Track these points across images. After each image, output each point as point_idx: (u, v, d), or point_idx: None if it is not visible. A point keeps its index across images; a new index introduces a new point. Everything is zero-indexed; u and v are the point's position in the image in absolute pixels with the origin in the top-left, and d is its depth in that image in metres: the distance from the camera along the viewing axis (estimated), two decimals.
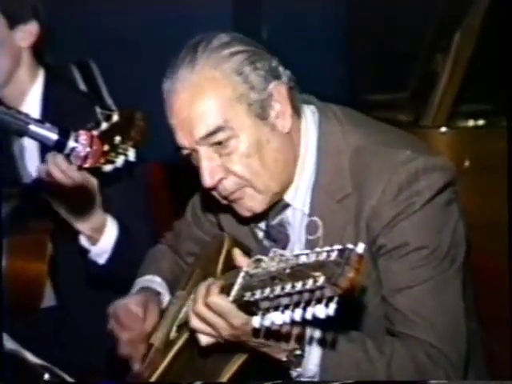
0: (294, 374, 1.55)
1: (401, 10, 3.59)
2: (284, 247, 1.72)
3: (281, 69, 1.65)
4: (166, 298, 1.90)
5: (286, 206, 1.71)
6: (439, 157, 1.65)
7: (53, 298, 2.26)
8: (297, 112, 1.67)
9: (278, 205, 1.72)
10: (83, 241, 2.08)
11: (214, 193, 1.67)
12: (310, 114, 1.70)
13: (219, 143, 1.60)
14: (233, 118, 1.58)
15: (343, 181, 1.63)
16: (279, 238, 1.74)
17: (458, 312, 1.60)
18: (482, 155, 2.97)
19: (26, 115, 1.49)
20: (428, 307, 1.58)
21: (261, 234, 1.77)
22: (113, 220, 2.08)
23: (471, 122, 3.18)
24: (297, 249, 1.70)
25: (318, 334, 1.53)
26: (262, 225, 1.77)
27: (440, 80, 3.08)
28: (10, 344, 1.51)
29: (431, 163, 1.61)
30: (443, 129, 3.08)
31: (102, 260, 2.09)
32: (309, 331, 1.52)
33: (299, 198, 1.69)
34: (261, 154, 1.61)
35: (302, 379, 1.56)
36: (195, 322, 1.54)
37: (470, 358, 1.65)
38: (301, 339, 1.52)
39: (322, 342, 1.54)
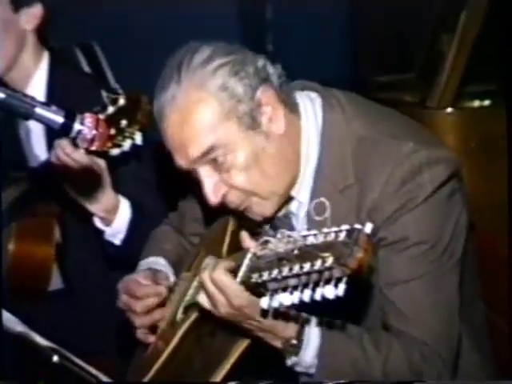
0: (289, 362, 1.55)
1: None
2: None
3: (269, 67, 1.63)
4: (170, 278, 1.90)
5: (292, 198, 1.71)
6: (443, 149, 1.64)
7: (60, 281, 2.28)
8: (292, 108, 1.66)
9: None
10: (97, 222, 2.09)
11: (223, 207, 1.67)
12: (309, 105, 1.68)
13: (215, 160, 1.60)
14: (225, 135, 1.58)
15: (346, 171, 1.62)
16: (284, 229, 1.73)
17: (452, 308, 1.60)
18: (488, 136, 2.96)
19: (32, 98, 1.49)
20: (423, 304, 1.58)
21: (266, 226, 1.77)
22: (125, 200, 2.09)
23: (477, 103, 3.16)
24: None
25: (317, 323, 1.54)
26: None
27: (446, 60, 3.06)
28: (19, 327, 1.51)
29: (435, 156, 1.60)
30: (449, 109, 3.06)
31: (117, 240, 2.11)
32: (308, 320, 1.53)
33: (304, 190, 1.68)
34: (259, 164, 1.61)
35: (297, 369, 1.56)
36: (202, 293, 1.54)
37: (481, 338, 1.66)
38: (300, 327, 1.53)
39: (320, 335, 1.54)
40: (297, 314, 1.52)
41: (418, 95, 3.24)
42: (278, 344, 1.54)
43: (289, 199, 1.71)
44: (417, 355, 1.56)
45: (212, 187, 1.62)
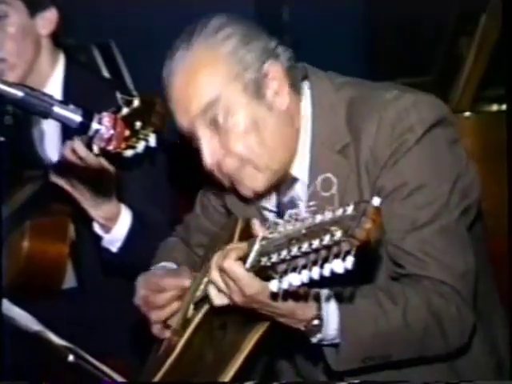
0: (314, 340, 1.55)
1: None
2: None
3: (280, 49, 1.68)
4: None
5: (295, 180, 1.72)
6: (428, 94, 1.66)
7: (74, 280, 2.28)
8: (296, 90, 1.69)
9: (286, 180, 1.72)
10: (97, 228, 2.09)
11: (218, 175, 1.68)
12: (307, 89, 1.71)
13: (216, 122, 1.62)
14: (228, 96, 1.62)
15: (341, 132, 1.65)
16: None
17: (466, 251, 1.60)
18: (506, 140, 2.93)
19: (51, 97, 1.49)
20: (438, 247, 1.58)
21: (271, 216, 1.77)
22: (127, 210, 2.09)
23: (495, 107, 3.14)
24: None
25: (332, 295, 1.53)
26: (273, 206, 1.77)
27: (464, 64, 3.05)
28: (34, 325, 1.51)
29: (420, 99, 1.62)
30: (467, 113, 3.04)
31: (114, 248, 2.11)
32: (323, 294, 1.52)
33: (305, 169, 1.70)
34: (258, 132, 1.63)
35: (323, 343, 1.56)
36: (214, 275, 1.54)
37: (497, 344, 1.65)
38: (317, 305, 1.52)
39: (338, 304, 1.54)
40: (309, 290, 1.50)
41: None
42: (300, 326, 1.54)
43: (292, 181, 1.72)
44: (434, 296, 1.56)
45: (209, 150, 1.64)
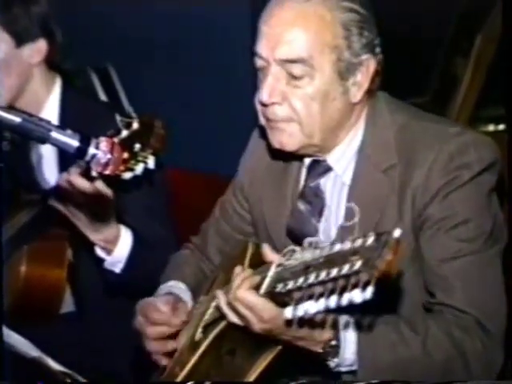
0: (332, 364, 1.55)
1: (421, 13, 3.56)
2: (320, 211, 1.74)
3: (379, 49, 1.69)
4: (189, 304, 1.89)
5: (328, 169, 1.74)
6: (487, 136, 1.69)
7: (72, 304, 2.27)
8: (370, 93, 1.71)
9: (320, 166, 1.75)
10: (98, 251, 2.09)
11: (261, 110, 1.70)
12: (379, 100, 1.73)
13: (292, 73, 1.63)
14: (317, 60, 1.63)
15: (389, 152, 1.67)
16: (315, 201, 1.75)
17: (499, 286, 1.62)
18: (502, 160, 2.94)
19: (48, 122, 1.49)
20: (470, 277, 1.60)
21: (295, 198, 1.78)
22: (127, 231, 2.09)
23: (492, 127, 3.15)
24: (331, 218, 1.73)
25: (351, 320, 1.53)
26: (300, 187, 1.78)
27: (460, 84, 3.06)
28: (33, 351, 1.51)
29: (481, 139, 1.66)
30: None
31: (117, 269, 2.10)
32: (342, 319, 1.52)
33: (342, 164, 1.72)
34: (323, 104, 1.65)
35: (341, 369, 1.55)
36: (229, 314, 1.55)
37: None
38: (335, 328, 1.52)
39: (356, 329, 1.54)
40: (326, 317, 1.50)
41: None
42: (318, 349, 1.54)
43: (325, 170, 1.74)
44: (456, 329, 1.56)
45: (271, 88, 1.65)
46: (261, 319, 1.49)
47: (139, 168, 1.59)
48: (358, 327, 1.54)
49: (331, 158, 1.73)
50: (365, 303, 1.22)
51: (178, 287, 1.91)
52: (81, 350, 2.20)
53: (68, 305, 2.25)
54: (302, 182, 1.79)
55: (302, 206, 1.77)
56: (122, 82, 3.29)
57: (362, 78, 1.66)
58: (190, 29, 3.32)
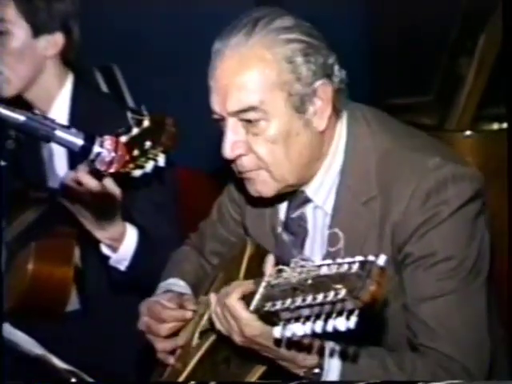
0: None
1: (424, 13, 3.56)
2: (302, 242, 1.73)
3: (336, 68, 1.64)
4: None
5: (308, 200, 1.71)
6: (468, 166, 1.63)
7: (77, 302, 2.27)
8: (337, 114, 1.66)
9: (298, 198, 1.72)
10: (104, 248, 2.10)
11: (231, 164, 1.67)
12: (345, 117, 1.69)
13: (249, 121, 1.60)
14: (269, 102, 1.58)
15: (369, 183, 1.62)
16: (298, 231, 1.74)
17: (481, 325, 1.58)
18: (507, 158, 2.94)
19: (53, 121, 1.50)
20: (452, 319, 1.56)
21: (279, 228, 1.77)
22: (133, 228, 2.09)
23: (496, 125, 3.15)
24: (316, 244, 1.71)
25: (337, 349, 1.52)
26: (282, 217, 1.77)
27: (464, 83, 3.06)
28: (37, 349, 1.51)
29: (461, 172, 1.59)
30: (468, 132, 3.05)
31: (122, 267, 2.11)
32: (328, 346, 1.51)
33: (321, 194, 1.69)
34: (287, 144, 1.60)
35: None
36: (216, 321, 1.55)
37: (495, 361, 1.64)
38: (320, 355, 1.51)
39: (341, 359, 1.52)
40: (316, 341, 1.50)
41: (436, 118, 3.23)
42: (299, 372, 1.53)
43: (305, 201, 1.71)
44: (442, 371, 1.54)
45: (232, 142, 1.62)
46: (241, 333, 1.49)
47: (149, 165, 1.60)
48: (343, 358, 1.52)
49: (309, 190, 1.69)
50: (351, 331, 1.22)
51: (178, 285, 1.91)
52: (86, 349, 2.21)
53: (73, 303, 2.26)
54: (282, 213, 1.76)
55: (285, 236, 1.75)
56: (126, 81, 3.30)
57: (321, 105, 1.61)
58: (191, 29, 3.33)
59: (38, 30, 2.19)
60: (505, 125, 3.10)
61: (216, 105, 1.62)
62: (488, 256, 1.62)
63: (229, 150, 1.62)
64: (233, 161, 1.65)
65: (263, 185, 1.65)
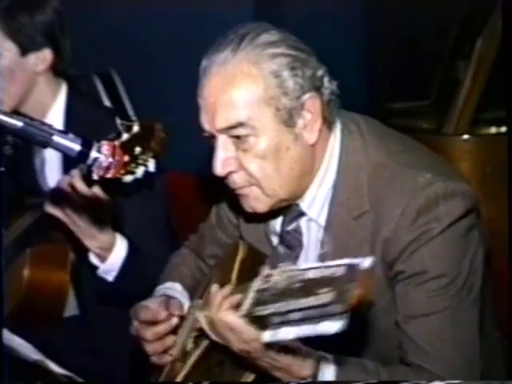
0: None
1: (422, 17, 3.57)
2: (297, 254, 1.73)
3: (326, 80, 1.62)
4: (186, 304, 1.89)
5: (302, 214, 1.71)
6: (461, 182, 1.62)
7: (75, 308, 2.27)
8: (329, 126, 1.65)
9: (293, 211, 1.72)
10: (92, 257, 2.10)
11: (224, 180, 1.67)
12: (338, 129, 1.68)
13: (238, 137, 1.60)
14: (257, 118, 1.58)
15: (361, 198, 1.62)
16: (293, 244, 1.74)
17: (473, 344, 1.58)
18: (504, 162, 2.94)
19: (50, 126, 1.50)
20: (443, 338, 1.55)
21: (275, 240, 1.77)
22: (122, 239, 2.10)
23: (493, 129, 3.15)
24: (310, 257, 1.71)
25: (332, 364, 1.52)
26: (278, 230, 1.77)
27: (462, 87, 3.06)
28: (34, 355, 1.51)
29: (451, 189, 1.57)
30: (465, 136, 3.05)
31: (110, 277, 2.11)
32: (324, 358, 1.51)
33: (315, 208, 1.68)
34: (277, 159, 1.60)
35: None
36: (211, 334, 1.55)
37: (490, 365, 1.64)
38: (315, 367, 1.51)
39: (335, 375, 1.52)
40: (311, 350, 1.50)
41: (434, 122, 3.23)
42: (292, 382, 1.53)
43: (299, 214, 1.71)
44: None
45: (223, 159, 1.61)
46: (241, 339, 1.48)
47: (140, 171, 1.60)
48: (338, 371, 1.52)
49: (303, 204, 1.68)
50: (346, 342, 1.23)
51: (174, 288, 1.91)
52: (84, 354, 2.21)
53: (72, 308, 2.26)
54: (278, 226, 1.76)
55: (281, 249, 1.75)
56: (125, 87, 3.30)
57: (311, 118, 1.59)
58: (191, 30, 3.34)
59: (25, 48, 2.18)
60: (503, 129, 3.10)
61: (205, 123, 1.63)
62: (481, 270, 1.61)
63: (219, 168, 1.62)
64: (225, 178, 1.65)
65: (256, 201, 1.65)
